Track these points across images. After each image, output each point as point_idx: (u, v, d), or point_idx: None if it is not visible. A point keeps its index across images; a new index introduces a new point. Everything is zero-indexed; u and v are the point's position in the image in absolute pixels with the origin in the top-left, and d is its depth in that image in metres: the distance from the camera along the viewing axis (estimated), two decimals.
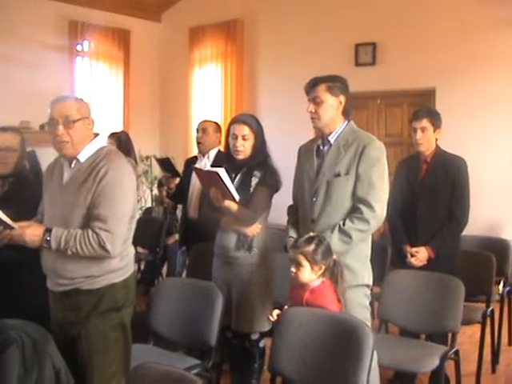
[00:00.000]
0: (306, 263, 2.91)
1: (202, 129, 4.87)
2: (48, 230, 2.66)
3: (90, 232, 2.64)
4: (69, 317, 2.78)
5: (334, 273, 2.94)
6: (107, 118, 8.54)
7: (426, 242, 3.94)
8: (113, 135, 5.72)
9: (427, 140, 4.01)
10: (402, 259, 4.01)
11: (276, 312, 3.01)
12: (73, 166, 2.78)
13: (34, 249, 2.73)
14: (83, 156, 2.77)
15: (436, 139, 4.07)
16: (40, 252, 2.79)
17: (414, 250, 3.96)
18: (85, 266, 2.70)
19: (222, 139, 5.01)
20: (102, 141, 2.88)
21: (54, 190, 2.83)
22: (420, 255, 3.94)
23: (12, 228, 2.66)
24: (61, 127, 2.69)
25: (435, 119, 4.06)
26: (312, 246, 2.91)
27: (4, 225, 2.66)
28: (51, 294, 2.86)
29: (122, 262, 2.80)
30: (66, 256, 2.67)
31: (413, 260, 3.94)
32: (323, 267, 2.91)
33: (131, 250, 2.92)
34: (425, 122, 4.01)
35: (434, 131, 4.03)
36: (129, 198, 2.76)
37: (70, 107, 2.73)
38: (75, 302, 2.76)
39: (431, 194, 3.98)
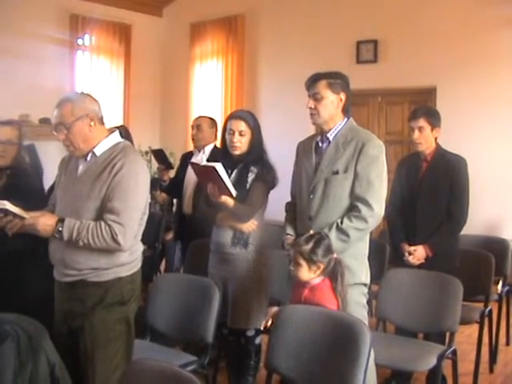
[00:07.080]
0: (303, 262, 2.89)
1: (197, 125, 4.88)
2: (60, 221, 2.66)
3: (102, 224, 2.64)
4: (74, 308, 2.79)
5: (335, 272, 2.90)
6: (107, 113, 8.51)
7: (424, 241, 3.92)
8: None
9: (425, 139, 3.98)
10: (399, 257, 4.00)
11: (271, 313, 3.00)
12: (88, 159, 2.80)
13: (41, 237, 2.73)
14: (99, 150, 2.79)
15: (435, 138, 4.03)
16: (48, 242, 2.79)
17: (411, 248, 3.93)
18: (93, 257, 2.71)
19: (218, 134, 5.00)
20: (118, 136, 2.88)
21: (68, 181, 2.85)
22: (417, 253, 3.91)
23: (23, 218, 2.65)
24: (60, 134, 2.72)
25: (433, 118, 4.01)
26: (310, 245, 2.88)
27: (13, 215, 2.65)
28: (57, 284, 2.87)
29: (130, 256, 2.81)
30: (75, 247, 2.68)
31: (410, 258, 3.92)
32: (322, 266, 2.88)
33: (140, 246, 2.92)
34: (421, 122, 3.97)
35: (432, 130, 3.99)
36: (142, 192, 2.78)
37: (63, 112, 2.71)
38: (81, 294, 2.76)
39: (431, 193, 3.96)
